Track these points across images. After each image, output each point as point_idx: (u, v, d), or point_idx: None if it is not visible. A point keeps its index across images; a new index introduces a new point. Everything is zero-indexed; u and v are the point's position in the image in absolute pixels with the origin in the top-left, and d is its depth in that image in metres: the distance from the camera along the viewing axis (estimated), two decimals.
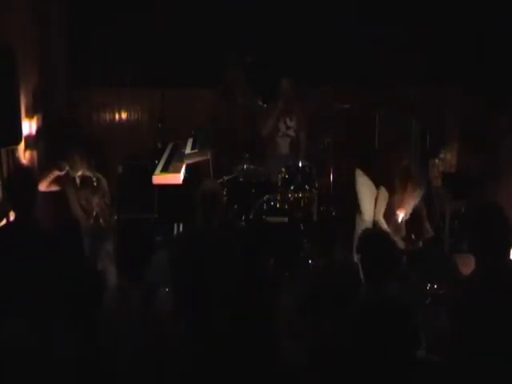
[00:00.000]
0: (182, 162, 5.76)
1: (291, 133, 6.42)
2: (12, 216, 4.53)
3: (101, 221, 5.23)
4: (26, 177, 3.77)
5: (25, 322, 2.89)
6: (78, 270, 3.78)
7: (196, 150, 5.99)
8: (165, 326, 3.05)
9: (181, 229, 5.85)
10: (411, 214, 4.79)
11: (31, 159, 5.63)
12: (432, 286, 5.05)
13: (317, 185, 6.01)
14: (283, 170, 5.92)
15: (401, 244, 4.60)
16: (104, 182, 5.33)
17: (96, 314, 3.12)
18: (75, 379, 2.90)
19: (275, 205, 5.68)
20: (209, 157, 6.02)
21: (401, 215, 4.77)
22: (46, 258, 3.47)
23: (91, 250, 4.96)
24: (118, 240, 3.29)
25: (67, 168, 5.05)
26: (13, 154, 5.13)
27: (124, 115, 7.07)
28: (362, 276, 3.40)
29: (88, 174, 5.19)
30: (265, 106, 6.50)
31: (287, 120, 6.37)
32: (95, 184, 5.23)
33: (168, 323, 3.08)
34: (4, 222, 4.47)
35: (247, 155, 6.15)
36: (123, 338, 3.02)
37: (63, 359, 2.82)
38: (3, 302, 3.24)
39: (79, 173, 5.15)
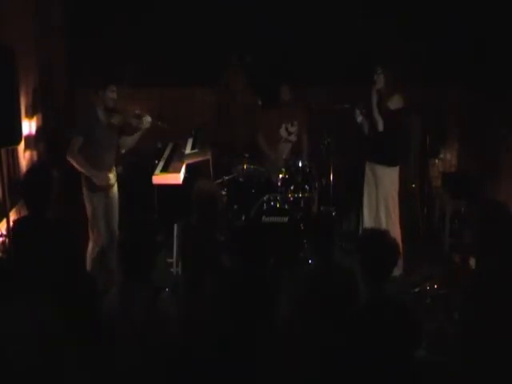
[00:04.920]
0: (182, 162, 5.75)
1: (292, 138, 6.36)
2: (13, 215, 4.55)
3: None
4: (43, 175, 3.77)
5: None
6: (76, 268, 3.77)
7: (196, 150, 5.99)
8: (168, 328, 3.04)
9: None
10: None
11: (31, 159, 5.63)
12: (432, 286, 5.06)
13: (317, 185, 6.00)
14: (283, 170, 5.92)
15: None
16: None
17: (97, 314, 3.11)
18: (75, 379, 2.89)
19: (275, 205, 5.68)
20: (209, 157, 6.02)
21: None
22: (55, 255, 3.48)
23: None
24: (123, 242, 3.25)
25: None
26: (13, 153, 5.12)
27: None
28: (360, 276, 3.40)
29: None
30: (264, 108, 6.49)
31: (288, 126, 6.33)
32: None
33: (171, 325, 3.07)
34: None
35: (247, 155, 6.15)
36: (125, 340, 3.02)
37: (63, 358, 2.81)
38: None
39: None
